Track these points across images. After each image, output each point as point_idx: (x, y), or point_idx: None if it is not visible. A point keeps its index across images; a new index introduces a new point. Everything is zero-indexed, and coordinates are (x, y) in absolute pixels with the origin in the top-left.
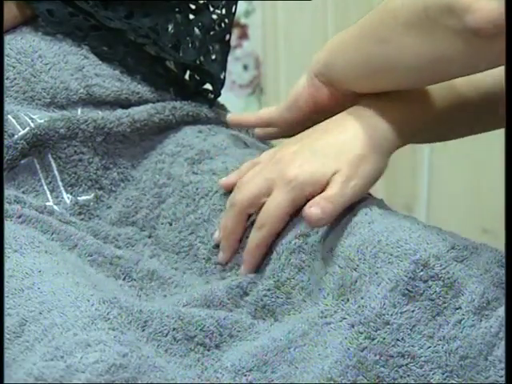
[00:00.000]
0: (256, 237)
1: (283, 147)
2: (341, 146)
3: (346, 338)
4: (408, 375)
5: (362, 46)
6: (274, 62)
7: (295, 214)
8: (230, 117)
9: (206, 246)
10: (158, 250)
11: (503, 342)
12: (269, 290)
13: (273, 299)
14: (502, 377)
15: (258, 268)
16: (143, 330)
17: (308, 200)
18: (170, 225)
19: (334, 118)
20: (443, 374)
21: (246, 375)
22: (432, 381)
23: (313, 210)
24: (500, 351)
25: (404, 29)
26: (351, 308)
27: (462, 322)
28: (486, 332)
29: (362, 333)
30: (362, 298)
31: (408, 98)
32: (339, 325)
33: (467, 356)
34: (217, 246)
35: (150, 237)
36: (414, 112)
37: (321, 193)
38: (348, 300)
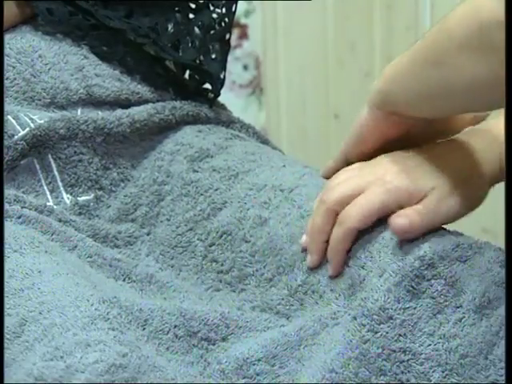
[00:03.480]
0: (336, 233)
1: (381, 157)
2: (445, 164)
3: (348, 330)
4: (408, 371)
5: (418, 71)
6: (273, 62)
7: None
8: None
9: (204, 243)
10: (154, 247)
11: (503, 341)
12: (282, 299)
13: (287, 307)
14: (502, 376)
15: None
16: (144, 329)
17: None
18: (169, 220)
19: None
20: (443, 371)
21: (254, 364)
22: (432, 378)
23: (400, 220)
24: (500, 350)
25: (459, 49)
26: (355, 301)
27: (463, 321)
28: (486, 331)
29: (364, 325)
30: (364, 290)
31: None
32: (344, 319)
33: (467, 355)
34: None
35: (148, 234)
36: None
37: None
38: (356, 297)
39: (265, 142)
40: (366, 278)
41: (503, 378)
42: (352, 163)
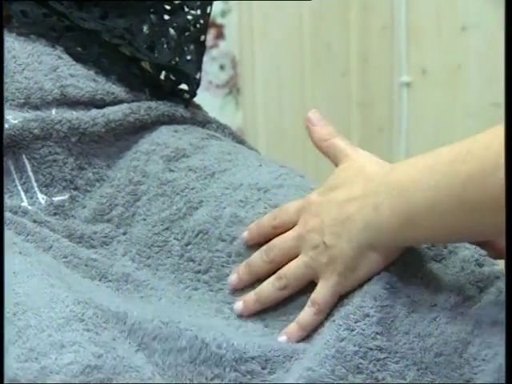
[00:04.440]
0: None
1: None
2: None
3: (325, 329)
4: (385, 369)
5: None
6: (250, 61)
7: None
8: None
9: (180, 243)
10: (130, 246)
11: (478, 340)
12: None
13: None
14: (476, 374)
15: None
16: (121, 329)
17: None
18: (145, 220)
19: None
20: (418, 370)
21: (247, 361)
22: (407, 377)
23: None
24: (475, 349)
25: None
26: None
27: (437, 320)
28: (461, 329)
29: (341, 325)
30: (346, 298)
31: None
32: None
33: (442, 353)
34: (189, 244)
35: (124, 234)
36: None
37: None
38: None
39: (241, 142)
40: None
41: (478, 376)
42: None
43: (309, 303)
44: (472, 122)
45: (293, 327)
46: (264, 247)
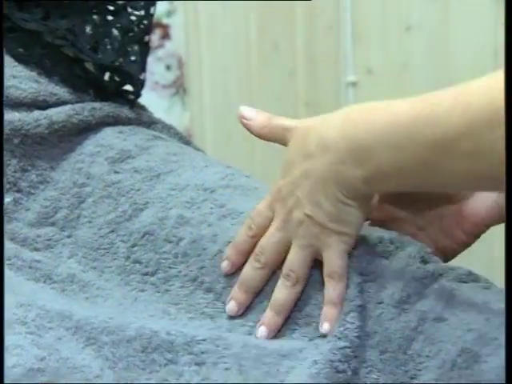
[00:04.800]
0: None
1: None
2: None
3: (304, 348)
4: (346, 361)
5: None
6: (197, 61)
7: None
8: None
9: (126, 245)
10: (76, 249)
11: (422, 336)
12: (208, 303)
13: (212, 310)
14: (420, 370)
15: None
16: (68, 325)
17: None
18: (90, 223)
19: None
20: (367, 367)
21: (199, 343)
22: (359, 373)
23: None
24: (419, 345)
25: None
26: (297, 317)
27: (382, 316)
28: (405, 326)
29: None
30: (305, 305)
31: None
32: (292, 337)
33: (387, 350)
34: (135, 245)
35: (69, 237)
36: None
37: None
38: None
39: (187, 142)
40: None
41: (422, 372)
42: None
43: (328, 277)
44: None
45: (327, 310)
46: (252, 256)
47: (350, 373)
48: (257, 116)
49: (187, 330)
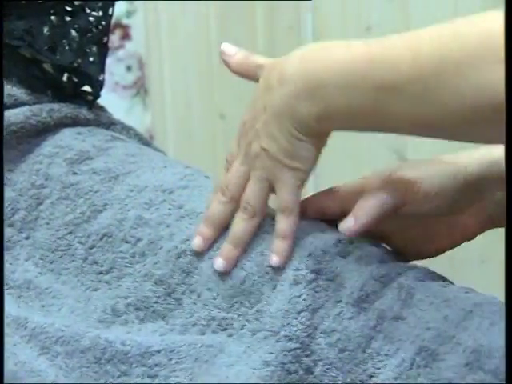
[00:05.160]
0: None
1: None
2: None
3: (248, 346)
4: (297, 361)
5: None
6: (157, 62)
7: None
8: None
9: (84, 246)
10: (33, 251)
11: (381, 335)
12: (159, 297)
13: (164, 305)
14: (379, 369)
15: None
16: (22, 333)
17: None
18: (48, 224)
19: None
20: (324, 366)
21: (154, 355)
22: (314, 372)
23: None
24: (377, 344)
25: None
26: (249, 313)
27: (341, 315)
28: (364, 325)
29: (264, 338)
30: (258, 302)
31: None
32: (241, 334)
33: (346, 349)
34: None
35: (27, 238)
36: None
37: None
38: (242, 303)
39: (146, 143)
40: (246, 280)
41: (380, 370)
42: None
43: (280, 212)
44: None
45: (277, 243)
46: (217, 191)
47: (301, 372)
48: (236, 53)
49: (141, 339)
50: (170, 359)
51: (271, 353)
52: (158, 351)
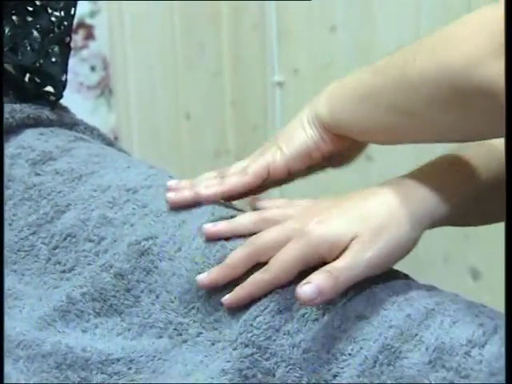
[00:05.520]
0: (258, 277)
1: (319, 202)
2: (368, 210)
3: (206, 355)
4: (255, 366)
5: (379, 112)
6: (122, 62)
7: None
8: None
9: (48, 247)
10: None
11: (345, 335)
12: (118, 291)
13: (121, 301)
14: (342, 368)
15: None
16: None
17: (323, 261)
18: (10, 225)
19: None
20: (287, 366)
21: (113, 363)
22: (276, 373)
23: (305, 288)
24: (341, 344)
25: (428, 104)
26: (206, 321)
27: (306, 317)
28: (328, 325)
29: (222, 349)
30: (216, 311)
31: (454, 166)
32: (196, 341)
33: (310, 349)
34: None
35: None
36: (460, 183)
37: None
38: (198, 310)
39: (110, 143)
40: None
41: (344, 370)
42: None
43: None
44: None
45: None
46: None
47: (260, 376)
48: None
49: (102, 347)
50: (130, 368)
51: (228, 361)
52: (118, 359)
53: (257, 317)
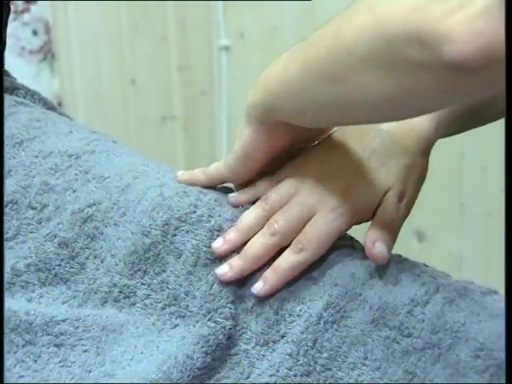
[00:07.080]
0: (293, 260)
1: (302, 171)
2: (389, 152)
3: (158, 319)
4: (215, 332)
5: (313, 85)
6: (64, 26)
7: None
8: (179, 177)
9: None
10: None
11: (293, 296)
12: (62, 259)
13: (66, 269)
14: (290, 329)
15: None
16: None
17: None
18: None
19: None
20: (239, 330)
21: (59, 324)
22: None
23: (378, 246)
24: (290, 305)
25: (361, 65)
26: (154, 283)
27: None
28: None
29: (173, 313)
30: (163, 271)
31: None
32: (146, 303)
33: (261, 312)
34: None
35: None
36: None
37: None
38: (145, 272)
39: (52, 108)
40: (151, 248)
41: (292, 330)
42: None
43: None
44: None
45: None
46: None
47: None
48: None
49: (46, 310)
50: (77, 327)
51: (189, 332)
52: (63, 320)
53: (213, 284)
